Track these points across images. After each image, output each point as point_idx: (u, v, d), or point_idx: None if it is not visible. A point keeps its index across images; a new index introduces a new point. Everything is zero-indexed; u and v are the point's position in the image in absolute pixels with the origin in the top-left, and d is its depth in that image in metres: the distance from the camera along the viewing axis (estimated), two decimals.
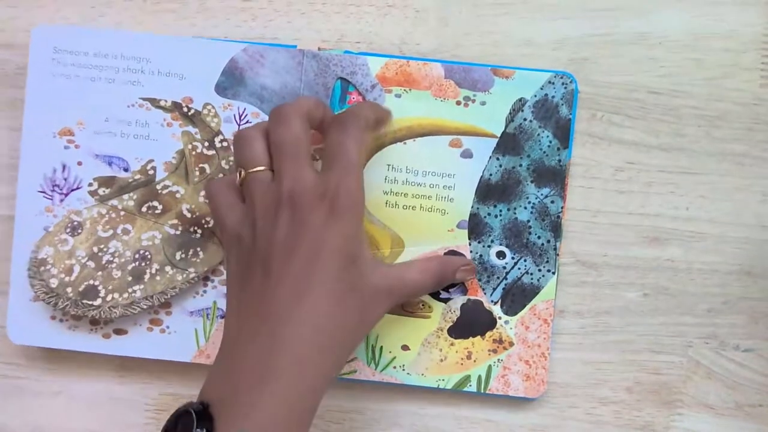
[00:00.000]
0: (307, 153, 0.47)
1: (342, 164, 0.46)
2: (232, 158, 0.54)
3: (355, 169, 0.47)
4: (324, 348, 0.46)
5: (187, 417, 0.44)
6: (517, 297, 0.53)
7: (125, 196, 0.54)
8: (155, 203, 0.54)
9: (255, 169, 0.48)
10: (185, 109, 0.54)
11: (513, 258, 0.53)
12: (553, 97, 0.52)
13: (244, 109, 0.53)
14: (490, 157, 0.53)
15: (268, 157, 0.48)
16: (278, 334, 0.45)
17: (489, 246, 0.53)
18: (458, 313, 0.53)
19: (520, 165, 0.53)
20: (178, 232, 0.54)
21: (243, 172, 0.48)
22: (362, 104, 0.52)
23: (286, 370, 0.44)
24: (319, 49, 0.54)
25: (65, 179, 0.54)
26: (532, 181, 0.53)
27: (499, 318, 0.53)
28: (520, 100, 0.53)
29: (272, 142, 0.48)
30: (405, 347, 0.54)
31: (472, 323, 0.53)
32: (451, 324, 0.53)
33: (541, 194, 0.53)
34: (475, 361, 0.53)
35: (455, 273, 0.52)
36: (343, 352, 0.47)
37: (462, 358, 0.53)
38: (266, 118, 0.53)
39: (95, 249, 0.54)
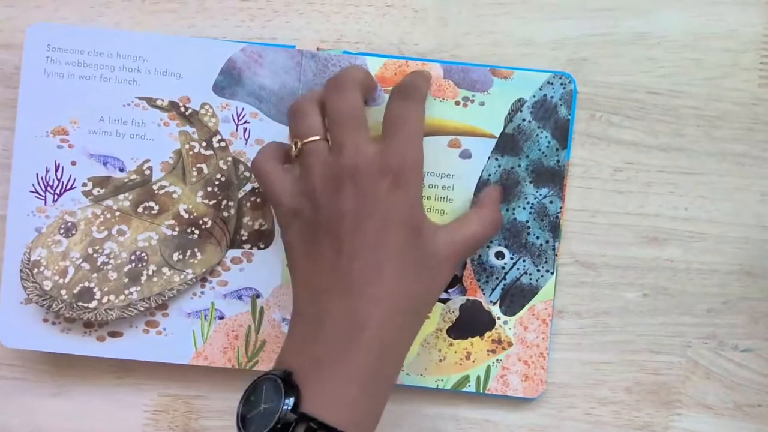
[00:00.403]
0: (366, 123, 0.47)
1: (404, 134, 0.47)
2: (230, 158, 0.53)
3: (418, 138, 0.47)
4: (401, 320, 0.46)
5: (271, 384, 0.44)
6: (515, 297, 0.53)
7: (120, 197, 0.53)
8: (151, 204, 0.53)
9: (311, 139, 0.47)
10: (182, 109, 0.53)
11: (512, 258, 0.53)
12: (552, 97, 0.52)
13: (242, 109, 0.53)
14: (489, 158, 0.53)
15: (324, 128, 0.48)
16: (358, 309, 0.45)
17: (488, 246, 0.53)
18: (457, 313, 0.53)
19: (519, 165, 0.53)
20: (175, 233, 0.53)
21: (299, 143, 0.48)
22: (416, 74, 0.52)
23: (368, 344, 0.44)
24: (317, 49, 0.54)
25: (58, 179, 0.53)
26: (530, 182, 0.53)
27: (498, 318, 0.53)
28: (518, 100, 0.53)
29: (330, 112, 0.48)
30: None
31: (471, 323, 0.53)
32: (450, 324, 0.53)
33: (540, 194, 0.53)
34: (474, 361, 0.53)
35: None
36: (418, 323, 0.48)
37: (461, 359, 0.53)
38: (265, 118, 0.53)
39: (90, 250, 0.53)
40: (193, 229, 0.53)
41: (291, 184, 0.48)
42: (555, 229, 0.53)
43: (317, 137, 0.47)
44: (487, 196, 0.52)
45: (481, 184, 0.53)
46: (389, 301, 0.45)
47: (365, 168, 0.46)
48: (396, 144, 0.46)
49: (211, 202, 0.53)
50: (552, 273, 0.53)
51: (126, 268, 0.53)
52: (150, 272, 0.53)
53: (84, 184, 0.53)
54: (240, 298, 0.54)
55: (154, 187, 0.53)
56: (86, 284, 0.53)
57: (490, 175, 0.53)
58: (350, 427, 0.43)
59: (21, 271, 0.53)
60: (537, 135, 0.53)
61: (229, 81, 0.53)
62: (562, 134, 0.53)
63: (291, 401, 0.42)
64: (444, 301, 0.53)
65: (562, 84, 0.52)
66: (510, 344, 0.53)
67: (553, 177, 0.53)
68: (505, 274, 0.53)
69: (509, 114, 0.53)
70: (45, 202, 0.53)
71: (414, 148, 0.47)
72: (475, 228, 0.50)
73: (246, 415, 0.45)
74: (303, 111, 0.48)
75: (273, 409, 0.43)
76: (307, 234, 0.47)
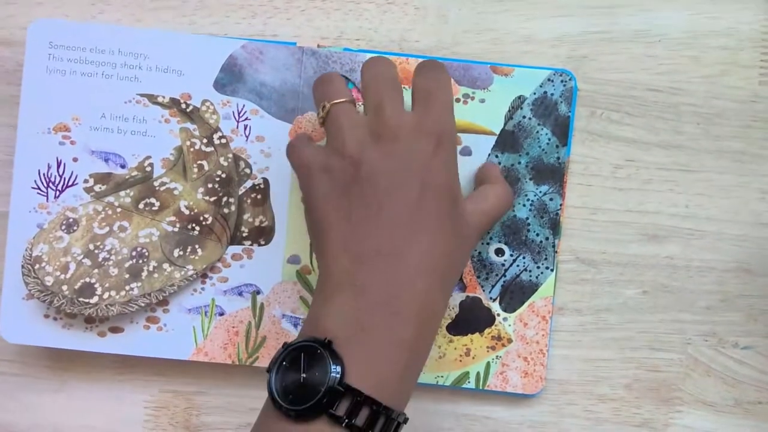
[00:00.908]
0: (401, 93, 0.47)
1: (441, 102, 0.46)
2: (230, 155, 0.53)
3: (452, 108, 0.47)
4: (440, 287, 0.45)
5: (311, 351, 0.42)
6: (515, 294, 0.53)
7: (122, 193, 0.53)
8: (152, 200, 0.53)
9: (340, 100, 0.47)
10: (183, 106, 0.53)
11: (512, 255, 0.53)
12: (552, 94, 0.53)
13: (243, 105, 0.53)
14: (489, 155, 0.53)
15: (350, 94, 0.48)
16: (400, 275, 0.44)
17: (488, 243, 0.53)
18: (457, 309, 0.53)
19: (519, 162, 0.53)
20: (175, 229, 0.53)
21: (327, 104, 0.47)
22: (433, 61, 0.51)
23: (411, 312, 0.43)
24: (318, 46, 0.54)
25: (60, 175, 0.53)
26: (530, 179, 0.53)
27: (498, 315, 0.53)
28: (519, 97, 0.53)
29: (369, 76, 0.48)
30: None
31: (471, 320, 0.53)
32: (450, 321, 0.53)
33: (540, 192, 0.53)
34: (473, 357, 0.53)
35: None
36: (450, 292, 0.48)
37: (460, 355, 0.53)
38: (266, 115, 0.53)
39: (91, 246, 0.53)
40: (194, 225, 0.53)
41: (319, 148, 0.47)
42: (555, 226, 0.53)
43: (345, 99, 0.47)
44: (491, 172, 0.52)
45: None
46: (430, 268, 0.44)
47: (409, 128, 0.45)
48: (434, 111, 0.46)
49: (212, 199, 0.53)
50: (552, 270, 0.53)
51: (127, 264, 0.53)
52: (151, 268, 0.53)
53: (85, 181, 0.53)
54: (240, 294, 0.54)
55: (155, 183, 0.53)
56: (87, 280, 0.53)
57: None
58: (392, 401, 0.42)
59: (23, 266, 0.53)
60: (537, 132, 0.53)
61: (230, 78, 0.53)
62: (563, 131, 0.53)
63: (339, 369, 0.41)
64: None
65: (562, 81, 0.52)
66: (510, 341, 0.53)
67: (553, 174, 0.53)
68: (505, 270, 0.53)
69: (509, 111, 0.53)
70: (47, 199, 0.53)
71: (451, 117, 0.47)
72: (494, 201, 0.49)
73: (281, 384, 0.42)
74: (329, 78, 0.48)
75: (318, 379, 0.41)
76: (339, 191, 0.45)
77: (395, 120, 0.45)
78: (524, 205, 0.53)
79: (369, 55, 0.52)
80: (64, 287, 0.53)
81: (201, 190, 0.53)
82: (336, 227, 0.45)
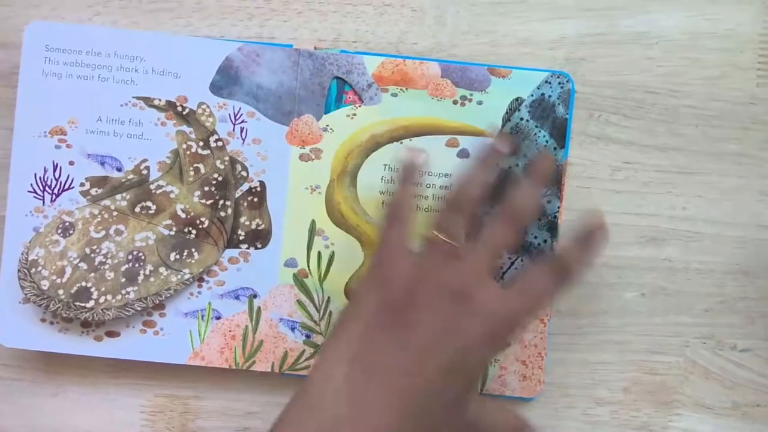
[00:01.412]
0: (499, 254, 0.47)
1: (526, 299, 0.45)
2: (227, 158, 0.53)
3: (535, 313, 0.46)
4: None
5: None
6: None
7: (118, 196, 0.53)
8: (149, 203, 0.53)
9: (445, 239, 0.46)
10: (179, 109, 0.53)
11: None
12: (549, 96, 0.52)
13: (239, 108, 0.53)
14: None
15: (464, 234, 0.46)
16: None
17: None
18: None
19: (517, 165, 0.53)
20: (172, 233, 0.53)
21: (436, 236, 0.46)
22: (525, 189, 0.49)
23: None
24: (314, 48, 0.53)
25: (56, 179, 0.53)
26: None
27: None
28: (516, 99, 0.53)
29: (505, 215, 0.47)
30: None
31: None
32: None
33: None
34: None
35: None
36: None
37: None
38: (262, 118, 0.53)
39: (87, 250, 0.53)
40: (190, 229, 0.53)
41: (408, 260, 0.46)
42: (553, 229, 0.53)
43: (453, 242, 0.46)
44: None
45: None
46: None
47: (479, 288, 0.45)
48: (517, 300, 0.45)
49: (208, 202, 0.53)
50: None
51: (123, 268, 0.53)
52: (147, 272, 0.53)
53: (82, 184, 0.53)
54: (237, 298, 0.54)
55: (152, 186, 0.53)
56: (83, 284, 0.53)
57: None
58: None
59: (19, 270, 0.53)
60: (535, 134, 0.53)
61: (226, 80, 0.53)
62: (560, 133, 0.52)
63: None
64: None
65: (560, 83, 0.52)
66: (508, 344, 0.53)
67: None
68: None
69: (507, 113, 0.53)
70: (43, 202, 0.53)
71: (528, 317, 0.45)
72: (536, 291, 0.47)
73: None
74: (460, 207, 0.47)
75: None
76: (380, 312, 0.45)
77: (464, 278, 0.45)
78: None
79: (366, 57, 0.52)
80: (60, 291, 0.52)
81: (197, 193, 0.53)
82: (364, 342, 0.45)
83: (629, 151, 0.53)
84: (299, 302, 0.53)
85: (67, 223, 0.53)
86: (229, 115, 0.53)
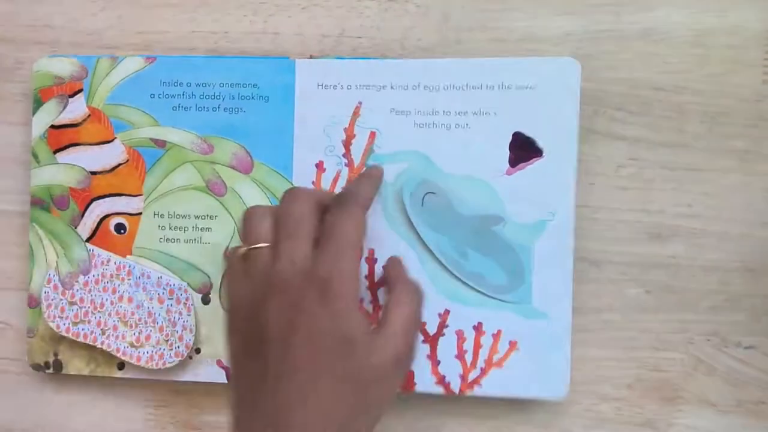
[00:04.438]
0: (309, 233, 0.45)
1: (336, 244, 0.44)
2: None
3: (350, 249, 0.45)
4: None
5: None
6: None
7: None
8: None
9: (255, 246, 0.46)
10: None
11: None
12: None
13: None
14: None
15: (273, 236, 0.46)
16: None
17: None
18: None
19: None
20: None
21: (244, 248, 0.46)
22: (360, 180, 0.50)
23: None
24: (311, 56, 0.53)
25: None
26: None
27: None
28: None
29: (277, 216, 0.46)
30: None
31: None
32: None
33: None
34: None
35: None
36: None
37: None
38: None
39: None
40: None
41: (244, 286, 0.46)
42: None
43: (263, 244, 0.46)
44: (391, 274, 0.50)
45: None
46: (319, 423, 0.42)
47: (292, 277, 0.44)
48: (327, 255, 0.44)
49: None
50: None
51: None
52: None
53: None
54: None
55: None
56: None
57: None
58: None
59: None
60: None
61: None
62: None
63: None
64: None
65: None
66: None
67: None
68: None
69: None
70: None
71: (345, 259, 0.44)
72: (400, 323, 0.46)
73: None
74: (255, 216, 0.47)
75: None
76: (241, 341, 0.46)
77: (283, 272, 0.44)
78: None
79: (364, 62, 0.52)
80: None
81: None
82: (233, 377, 0.46)
83: (635, 148, 0.52)
84: None
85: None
86: None
